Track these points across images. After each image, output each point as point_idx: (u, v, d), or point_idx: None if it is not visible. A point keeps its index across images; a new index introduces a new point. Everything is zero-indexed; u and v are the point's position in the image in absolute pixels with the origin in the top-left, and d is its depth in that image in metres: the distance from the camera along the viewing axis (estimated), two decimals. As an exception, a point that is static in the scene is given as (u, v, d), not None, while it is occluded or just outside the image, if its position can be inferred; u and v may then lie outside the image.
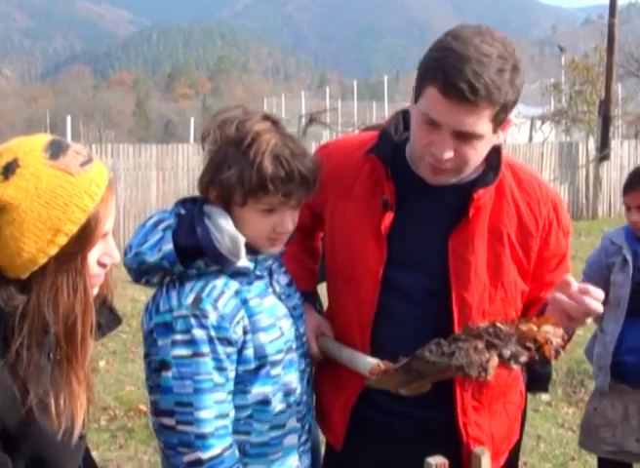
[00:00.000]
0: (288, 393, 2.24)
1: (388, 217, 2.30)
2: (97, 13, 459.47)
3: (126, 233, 14.99)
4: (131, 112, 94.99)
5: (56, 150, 1.66)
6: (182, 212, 2.22)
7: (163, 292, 2.16)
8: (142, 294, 10.96)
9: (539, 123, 26.78)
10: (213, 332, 2.07)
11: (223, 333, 2.08)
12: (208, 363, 2.06)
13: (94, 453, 4.93)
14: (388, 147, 2.37)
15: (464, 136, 2.11)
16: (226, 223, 2.12)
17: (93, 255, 1.71)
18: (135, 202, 15.16)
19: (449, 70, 2.03)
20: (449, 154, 2.13)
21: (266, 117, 2.18)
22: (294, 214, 2.20)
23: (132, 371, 7.67)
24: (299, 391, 2.28)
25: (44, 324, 1.64)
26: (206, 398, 2.06)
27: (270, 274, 2.28)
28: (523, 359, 1.99)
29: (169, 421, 2.07)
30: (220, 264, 2.13)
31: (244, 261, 2.15)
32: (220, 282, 2.14)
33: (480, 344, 1.98)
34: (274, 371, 2.19)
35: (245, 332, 2.13)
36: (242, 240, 2.13)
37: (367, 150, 2.37)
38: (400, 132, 2.44)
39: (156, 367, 2.10)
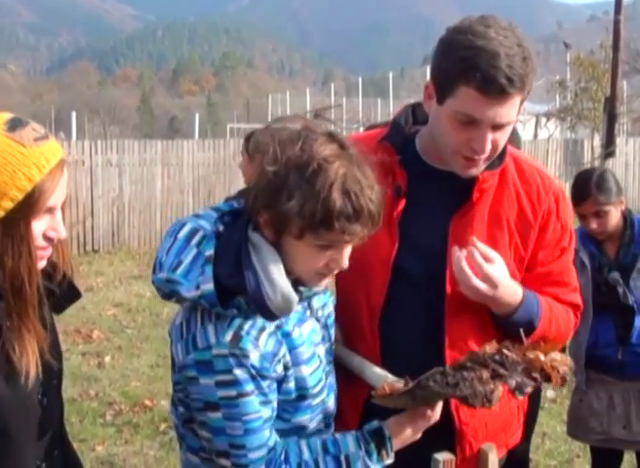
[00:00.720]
0: (326, 415, 2.21)
1: (400, 204, 2.34)
2: (101, 8, 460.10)
3: (131, 228, 15.05)
4: (136, 108, 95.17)
5: (14, 124, 1.78)
6: (221, 228, 2.03)
7: (198, 322, 1.98)
8: (147, 290, 11.00)
9: (544, 120, 26.75)
10: (253, 371, 1.94)
11: (264, 373, 1.97)
12: (254, 401, 1.96)
13: (99, 448, 4.99)
14: (400, 137, 2.42)
15: (501, 126, 2.19)
16: (279, 276, 1.93)
17: (39, 227, 1.80)
18: (140, 197, 15.14)
19: (485, 69, 2.07)
20: (489, 146, 2.20)
21: (332, 137, 1.96)
22: (349, 250, 2.01)
23: (137, 367, 7.72)
24: (334, 407, 2.25)
25: None
26: (257, 437, 1.99)
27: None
28: (528, 390, 1.99)
29: (226, 462, 2.02)
30: (266, 318, 1.99)
31: None
32: (259, 318, 1.99)
33: (485, 374, 1.96)
34: (315, 402, 2.13)
35: (286, 368, 2.03)
36: (295, 300, 1.96)
37: (379, 139, 2.42)
38: (410, 125, 2.48)
39: (200, 406, 1.99)
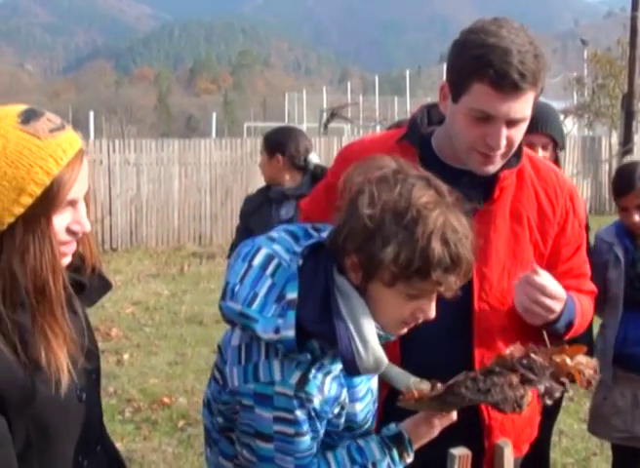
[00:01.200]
0: (363, 436, 2.18)
1: None
2: (117, 7, 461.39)
3: (149, 228, 15.13)
4: (153, 107, 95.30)
5: (28, 116, 1.72)
6: (300, 262, 1.93)
7: (262, 353, 1.91)
8: (165, 288, 11.07)
9: (561, 117, 26.67)
10: (313, 413, 1.91)
11: (323, 415, 1.94)
12: (308, 439, 1.94)
13: (118, 445, 5.03)
14: (418, 136, 2.48)
15: (515, 122, 2.24)
16: (372, 334, 1.86)
17: (61, 222, 1.76)
18: (157, 196, 15.22)
19: (498, 65, 2.14)
20: (504, 142, 2.25)
21: (429, 182, 1.88)
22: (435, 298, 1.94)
23: (155, 364, 7.75)
24: (372, 428, 2.23)
25: (17, 283, 1.71)
26: None
27: None
28: (557, 395, 1.99)
29: None
30: (348, 375, 1.94)
31: None
32: (327, 360, 1.94)
33: (515, 379, 1.97)
34: (360, 432, 2.13)
35: (342, 408, 2.00)
36: (385, 363, 1.90)
37: (397, 139, 2.48)
38: (425, 125, 2.54)
39: (250, 432, 1.96)
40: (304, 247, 1.97)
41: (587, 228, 3.69)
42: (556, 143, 3.65)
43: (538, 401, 2.56)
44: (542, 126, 3.55)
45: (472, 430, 2.41)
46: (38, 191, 1.68)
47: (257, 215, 4.65)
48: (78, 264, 1.93)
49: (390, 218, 1.80)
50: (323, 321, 1.83)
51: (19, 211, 1.68)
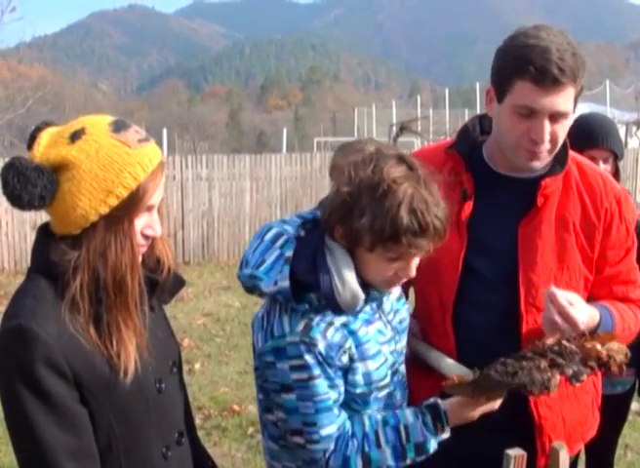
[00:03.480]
0: (394, 409, 2.33)
1: (468, 206, 2.49)
2: (190, 28, 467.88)
3: (220, 241, 15.30)
4: (224, 124, 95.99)
5: (119, 126, 1.90)
6: (302, 233, 2.22)
7: (276, 313, 2.19)
8: (236, 301, 11.19)
9: (634, 128, 26.24)
10: (320, 358, 2.12)
11: (329, 361, 2.13)
12: (322, 383, 2.14)
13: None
14: (467, 144, 2.60)
15: (558, 117, 2.33)
16: (350, 276, 2.13)
17: (138, 225, 1.92)
18: (229, 211, 15.39)
19: (538, 61, 2.26)
20: (548, 136, 2.34)
21: (401, 159, 2.12)
22: (417, 261, 2.18)
23: (226, 374, 7.91)
24: (402, 403, 2.40)
25: (95, 277, 1.86)
26: (327, 416, 2.16)
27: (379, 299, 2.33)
28: (584, 377, 2.11)
29: (299, 440, 2.20)
30: (334, 312, 2.16)
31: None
32: (328, 314, 2.17)
33: (544, 363, 2.08)
34: (382, 394, 2.28)
35: (352, 360, 2.19)
36: (362, 297, 2.15)
37: (447, 147, 2.60)
38: (478, 134, 2.63)
39: (276, 388, 2.18)
40: (307, 220, 2.27)
41: None
42: (616, 155, 3.69)
43: (570, 388, 2.61)
44: (603, 141, 3.62)
45: (522, 430, 2.48)
46: (125, 194, 1.84)
47: None
48: (155, 265, 2.08)
49: (365, 193, 2.06)
50: (312, 272, 2.11)
51: (104, 210, 1.84)
